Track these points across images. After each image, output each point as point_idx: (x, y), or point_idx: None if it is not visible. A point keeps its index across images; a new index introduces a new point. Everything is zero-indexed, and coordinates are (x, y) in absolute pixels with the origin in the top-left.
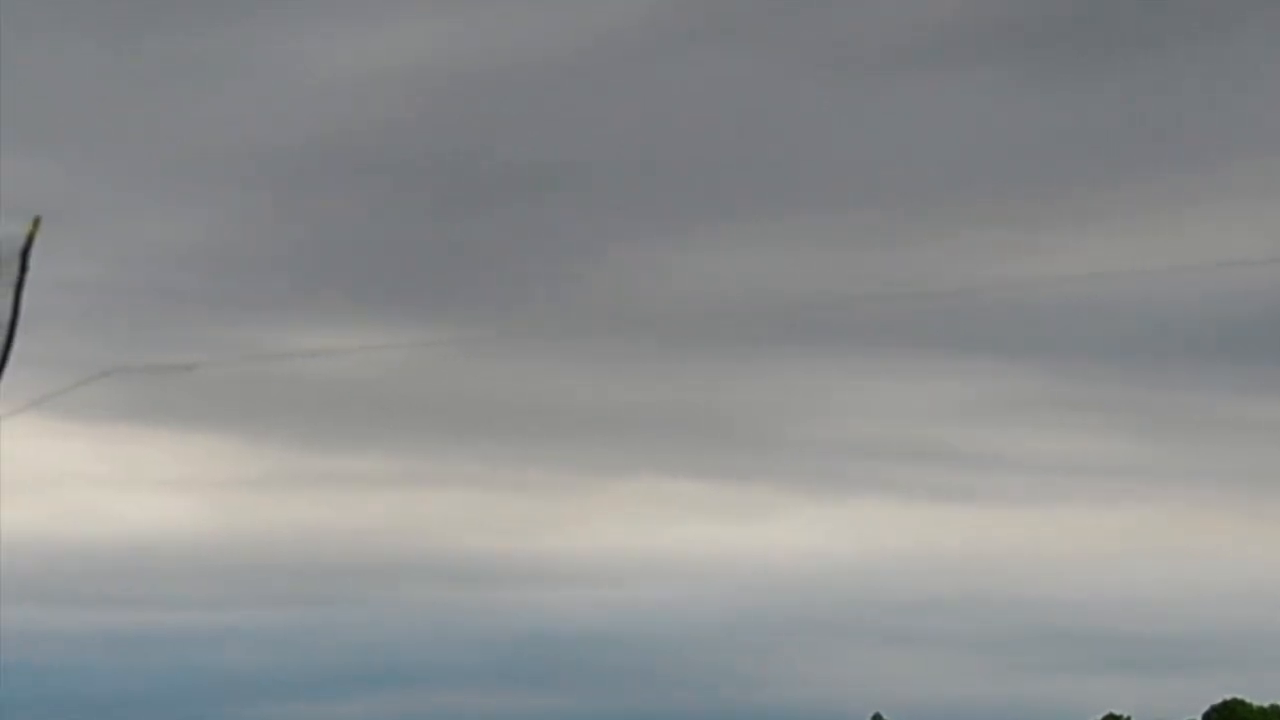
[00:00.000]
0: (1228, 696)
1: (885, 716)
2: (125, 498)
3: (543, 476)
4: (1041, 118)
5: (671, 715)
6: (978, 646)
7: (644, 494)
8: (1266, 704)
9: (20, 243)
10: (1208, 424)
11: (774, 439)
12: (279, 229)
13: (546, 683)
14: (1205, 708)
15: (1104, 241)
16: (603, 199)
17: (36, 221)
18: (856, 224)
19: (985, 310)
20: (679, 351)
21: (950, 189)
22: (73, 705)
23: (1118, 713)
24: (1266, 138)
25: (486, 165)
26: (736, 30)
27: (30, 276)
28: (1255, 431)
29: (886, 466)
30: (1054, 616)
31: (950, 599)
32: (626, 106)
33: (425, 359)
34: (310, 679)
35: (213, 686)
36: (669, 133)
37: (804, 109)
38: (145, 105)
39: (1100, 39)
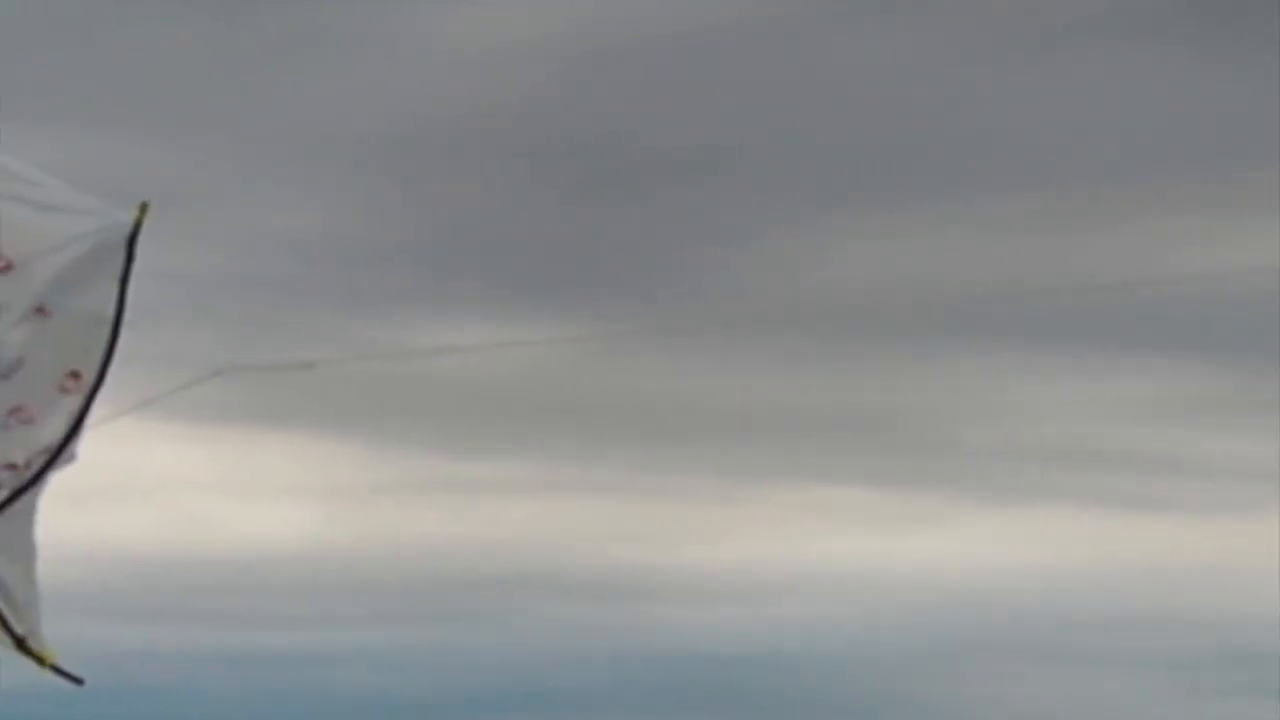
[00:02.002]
0: None
1: None
2: (238, 506)
3: (691, 483)
4: (1228, 93)
5: None
6: (1169, 666)
7: (802, 502)
8: None
9: (126, 230)
10: None
11: (944, 443)
12: (406, 216)
13: (695, 707)
14: None
15: None
16: (755, 183)
17: (144, 207)
18: (1031, 209)
19: (1173, 303)
20: (839, 347)
21: (1131, 171)
22: None
23: None
24: None
25: (630, 147)
26: (899, 1)
27: (137, 267)
28: None
29: (1066, 472)
30: (1253, 635)
31: (1138, 615)
32: (782, 84)
33: (563, 356)
34: (439, 702)
35: (333, 711)
36: (827, 112)
37: (971, 85)
38: (260, 82)
39: None
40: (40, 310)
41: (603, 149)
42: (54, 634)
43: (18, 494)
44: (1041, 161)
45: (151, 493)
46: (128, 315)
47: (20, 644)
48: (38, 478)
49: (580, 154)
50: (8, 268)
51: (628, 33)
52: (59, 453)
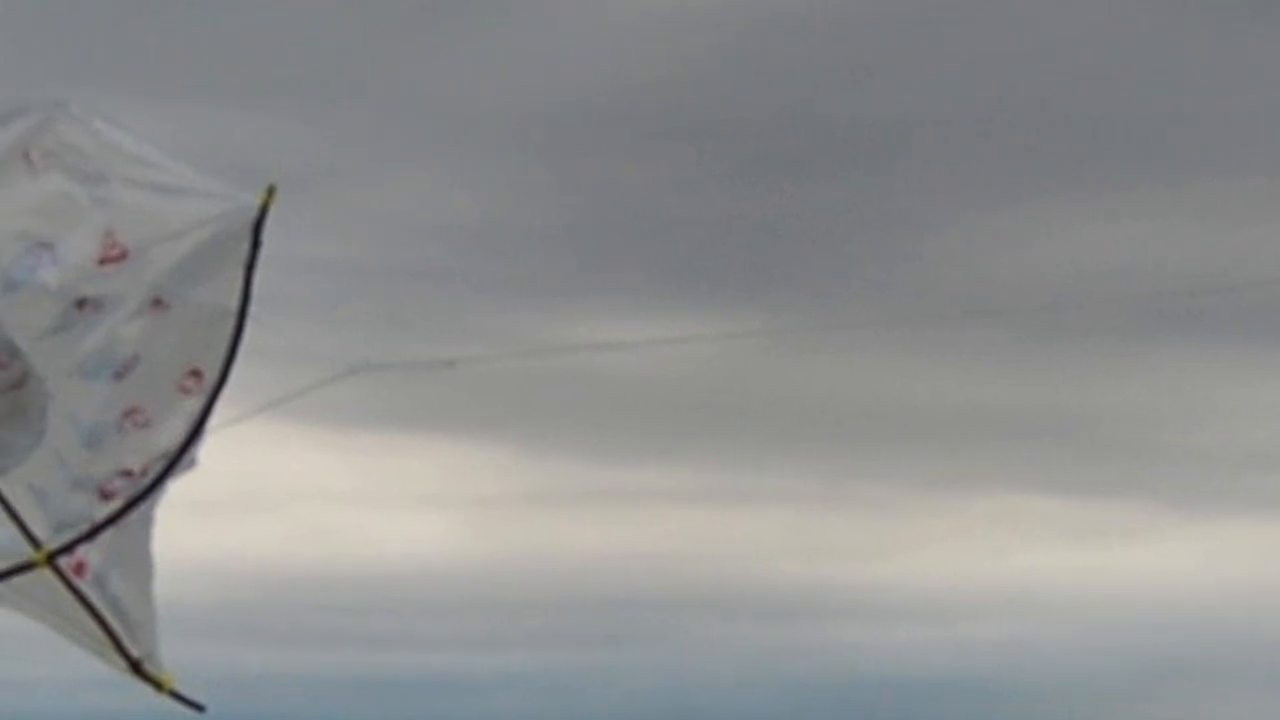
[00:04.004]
0: None
1: None
2: (375, 517)
3: (873, 493)
4: None
5: None
6: None
7: (993, 513)
8: None
9: (252, 215)
10: None
11: (1149, 448)
12: (560, 199)
13: None
14: None
15: None
16: (945, 164)
17: (271, 190)
18: (1249, 194)
19: None
20: (1036, 344)
21: None
22: None
23: None
24: None
25: (807, 124)
26: None
27: (264, 255)
28: None
29: None
30: None
31: None
32: (976, 55)
33: (734, 353)
34: None
35: None
36: (1026, 86)
37: (1187, 58)
38: (402, 53)
39: None
40: (158, 303)
41: (776, 126)
42: (172, 657)
43: (133, 503)
44: (1260, 142)
45: (279, 502)
46: (253, 308)
47: (136, 667)
48: (155, 486)
49: (752, 132)
50: (122, 256)
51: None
52: (178, 458)
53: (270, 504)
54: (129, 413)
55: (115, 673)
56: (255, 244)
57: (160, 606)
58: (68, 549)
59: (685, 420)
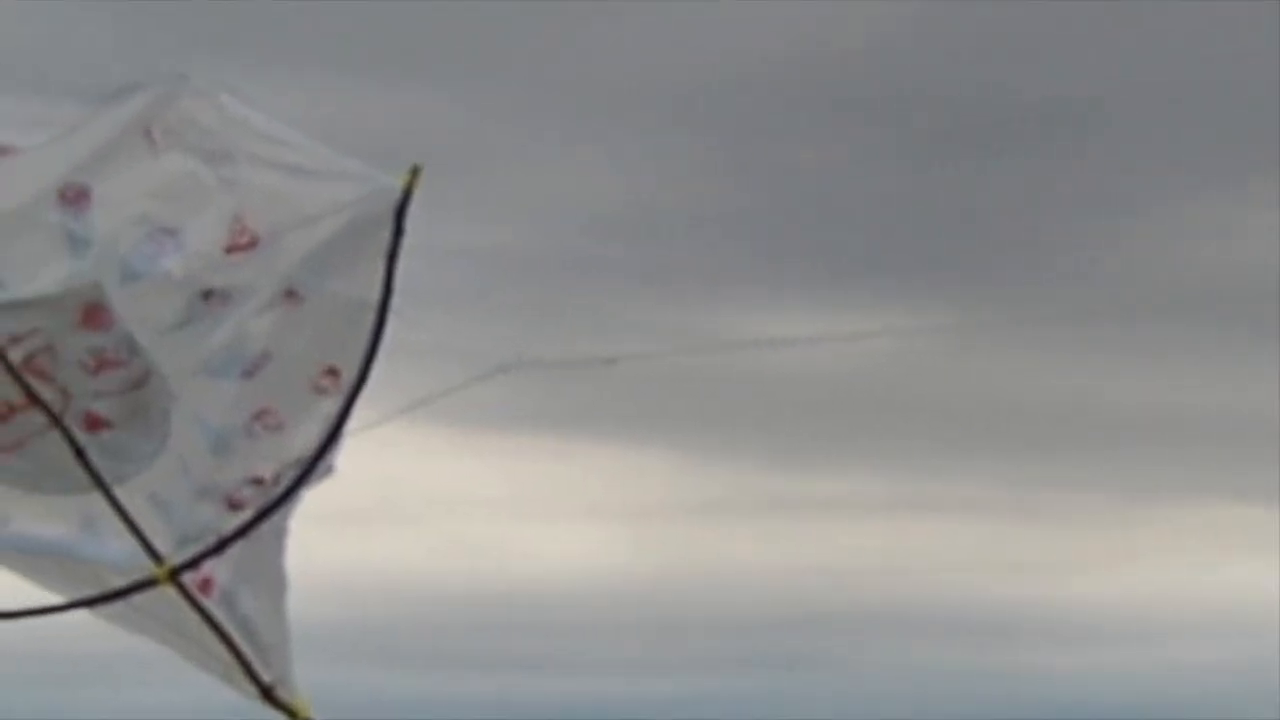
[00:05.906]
0: None
1: None
2: (526, 528)
3: (1072, 502)
4: None
5: None
6: None
7: (1203, 524)
8: None
9: (394, 199)
10: None
11: None
12: (729, 182)
13: None
14: None
15: None
16: (1147, 143)
17: (415, 172)
18: None
19: None
20: (1252, 339)
21: None
22: None
23: None
24: None
25: (996, 100)
26: None
27: (406, 243)
28: None
29: None
30: None
31: None
32: (1177, 22)
33: (920, 351)
34: None
35: None
36: (1234, 55)
37: None
38: (556, 23)
39: None
40: (291, 295)
41: (962, 102)
42: (308, 681)
43: (264, 514)
44: None
45: (422, 512)
46: (395, 301)
47: (267, 693)
48: (288, 495)
49: (935, 109)
50: (252, 244)
51: None
52: (313, 465)
53: (413, 514)
54: (259, 415)
55: (245, 699)
56: (398, 231)
57: (294, 626)
58: (193, 564)
59: (865, 423)
